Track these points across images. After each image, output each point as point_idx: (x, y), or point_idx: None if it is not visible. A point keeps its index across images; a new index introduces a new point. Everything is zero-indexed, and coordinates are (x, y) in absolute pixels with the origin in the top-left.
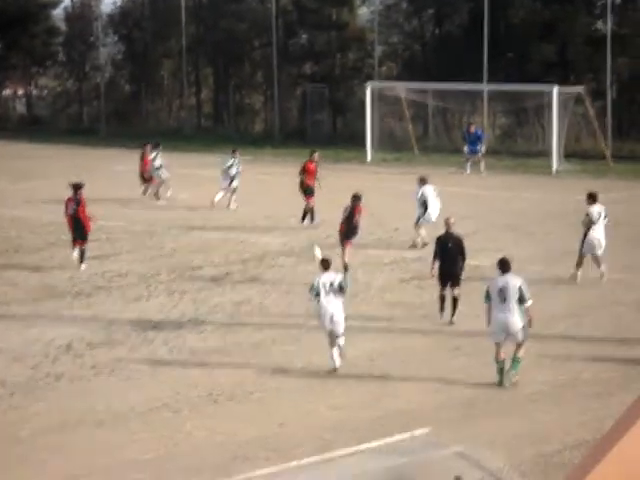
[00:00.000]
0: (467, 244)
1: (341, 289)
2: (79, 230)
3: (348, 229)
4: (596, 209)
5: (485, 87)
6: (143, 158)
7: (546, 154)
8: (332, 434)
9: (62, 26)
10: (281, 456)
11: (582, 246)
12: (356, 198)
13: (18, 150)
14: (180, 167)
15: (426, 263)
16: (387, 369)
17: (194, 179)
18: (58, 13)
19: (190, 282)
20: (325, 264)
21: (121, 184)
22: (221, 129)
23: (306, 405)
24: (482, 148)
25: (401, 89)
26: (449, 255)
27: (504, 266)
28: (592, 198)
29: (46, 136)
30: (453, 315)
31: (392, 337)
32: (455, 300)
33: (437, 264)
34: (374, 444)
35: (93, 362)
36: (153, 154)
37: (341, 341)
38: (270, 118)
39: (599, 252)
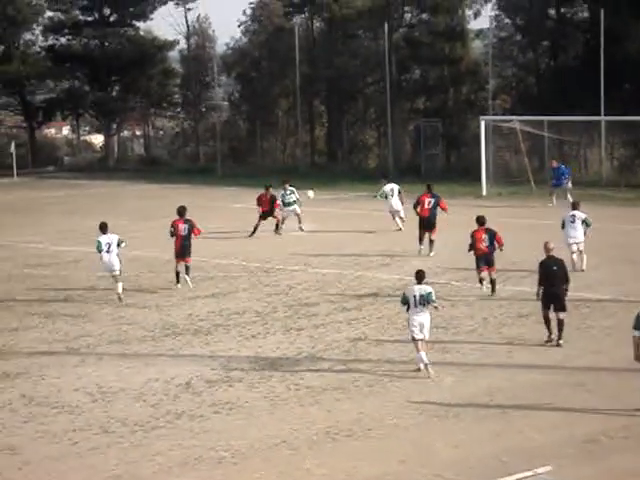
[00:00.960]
0: (587, 278)
1: (428, 301)
2: (189, 248)
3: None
4: None
5: (602, 118)
6: (263, 199)
7: None
8: (453, 472)
9: (178, 67)
10: None
11: None
12: (478, 221)
13: (137, 190)
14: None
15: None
16: (506, 405)
17: (311, 216)
18: (174, 55)
19: (306, 319)
20: (418, 276)
21: (238, 221)
22: (335, 166)
23: (425, 442)
24: (568, 182)
25: (516, 122)
26: (552, 278)
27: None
28: None
29: (164, 176)
30: (560, 338)
31: (511, 372)
32: (560, 323)
33: (542, 288)
34: None
35: (212, 400)
36: (288, 190)
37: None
38: (384, 154)
39: None
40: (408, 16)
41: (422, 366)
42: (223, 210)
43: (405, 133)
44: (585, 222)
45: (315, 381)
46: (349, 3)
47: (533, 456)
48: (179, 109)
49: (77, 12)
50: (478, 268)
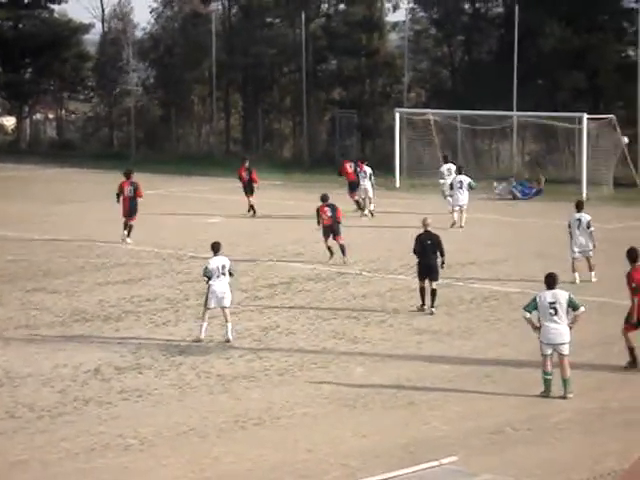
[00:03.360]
0: (496, 271)
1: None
2: (134, 208)
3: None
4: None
5: (515, 114)
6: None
7: (576, 181)
8: (360, 461)
9: (92, 51)
10: None
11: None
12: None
13: (49, 174)
14: (210, 192)
15: (452, 289)
16: (415, 396)
17: (223, 204)
18: (88, 38)
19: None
20: (550, 280)
21: (152, 208)
22: (250, 154)
23: (334, 431)
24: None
25: (430, 115)
26: (427, 251)
27: (550, 281)
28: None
29: (76, 160)
30: (432, 306)
31: (420, 363)
32: (433, 292)
33: (417, 261)
34: (402, 472)
35: (121, 387)
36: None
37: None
38: (299, 143)
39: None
40: (325, 6)
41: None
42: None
43: (320, 123)
44: (469, 185)
45: (225, 369)
46: None
47: (439, 446)
48: (92, 93)
49: None
50: (325, 236)
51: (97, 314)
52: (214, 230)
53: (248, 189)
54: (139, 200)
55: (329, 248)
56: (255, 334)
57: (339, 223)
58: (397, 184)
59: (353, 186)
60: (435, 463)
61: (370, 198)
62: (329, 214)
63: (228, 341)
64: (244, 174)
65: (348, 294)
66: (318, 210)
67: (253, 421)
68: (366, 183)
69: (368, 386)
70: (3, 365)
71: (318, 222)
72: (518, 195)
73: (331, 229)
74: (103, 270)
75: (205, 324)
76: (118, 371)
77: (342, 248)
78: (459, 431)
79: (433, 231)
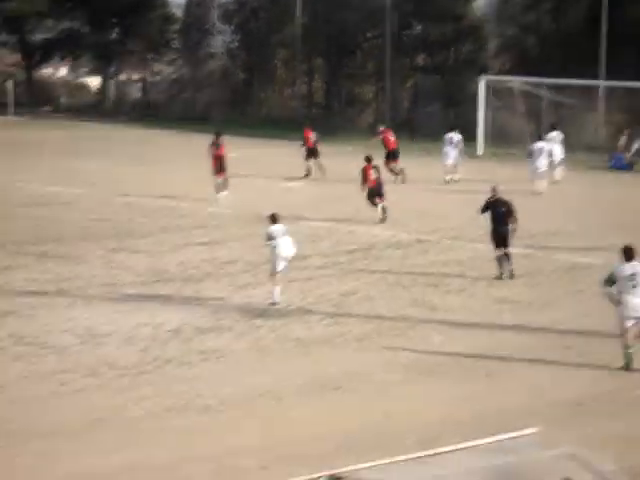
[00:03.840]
0: (579, 241)
1: None
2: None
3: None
4: None
5: (602, 83)
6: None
7: None
8: (437, 429)
9: (178, 13)
10: (385, 449)
11: None
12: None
13: (133, 135)
14: (290, 155)
15: (533, 259)
16: (494, 366)
17: (302, 167)
18: (174, 0)
19: (298, 271)
20: (628, 252)
21: (233, 170)
22: (331, 119)
23: (411, 399)
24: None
25: (515, 83)
26: (500, 219)
27: (629, 253)
28: None
29: (160, 122)
30: (509, 271)
31: (499, 333)
32: (508, 256)
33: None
34: (480, 442)
35: (201, 347)
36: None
37: None
38: (381, 109)
39: None
40: None
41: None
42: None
43: (403, 89)
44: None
45: (304, 333)
46: None
47: (518, 417)
48: (177, 55)
49: None
50: (371, 198)
51: (178, 275)
52: (293, 194)
53: (312, 152)
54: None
55: (377, 205)
56: (334, 299)
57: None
58: (480, 152)
59: (395, 155)
60: (515, 434)
61: (456, 166)
62: (374, 176)
63: (275, 303)
64: (310, 137)
65: (428, 261)
66: (364, 170)
67: (330, 385)
68: (452, 150)
69: (447, 354)
70: (85, 323)
71: (363, 182)
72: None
73: (377, 190)
74: (184, 231)
75: (277, 287)
76: (198, 332)
77: (384, 209)
78: (539, 402)
79: (504, 198)
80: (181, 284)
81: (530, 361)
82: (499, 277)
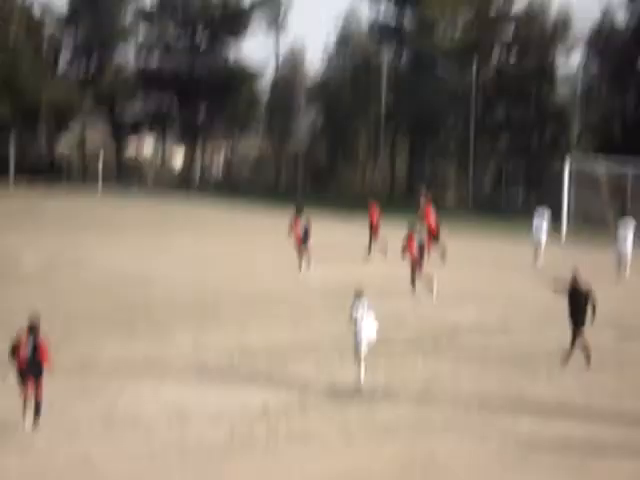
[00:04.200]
0: None
1: None
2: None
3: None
4: None
5: None
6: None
7: None
8: None
9: (264, 94)
10: None
11: None
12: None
13: (218, 213)
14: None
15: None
16: (588, 459)
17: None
18: (261, 80)
19: (382, 352)
20: None
21: (317, 248)
22: (413, 198)
23: None
24: None
25: (600, 166)
26: (579, 307)
27: None
28: None
29: (243, 200)
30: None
31: (591, 423)
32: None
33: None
34: None
35: (287, 428)
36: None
37: None
38: (464, 189)
39: None
40: (496, 55)
41: None
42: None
43: (486, 169)
44: None
45: (390, 417)
46: (439, 39)
47: None
48: (262, 136)
49: (170, 32)
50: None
51: (264, 353)
52: (375, 271)
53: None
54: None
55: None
56: (420, 382)
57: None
58: (563, 236)
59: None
60: None
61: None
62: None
63: (359, 385)
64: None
65: (515, 346)
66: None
67: (420, 473)
68: (543, 224)
69: (537, 444)
70: (174, 401)
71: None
72: None
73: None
74: (270, 309)
75: (362, 369)
76: (284, 412)
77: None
78: None
79: (584, 286)
80: (267, 362)
81: (629, 453)
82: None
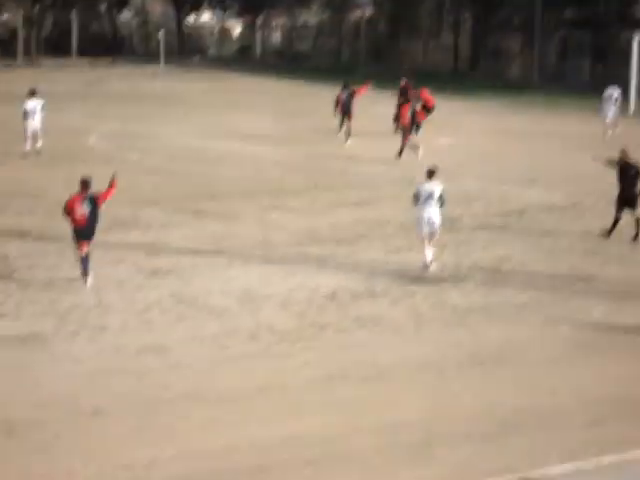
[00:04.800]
0: None
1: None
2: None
3: None
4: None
5: None
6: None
7: None
8: (605, 409)
9: None
10: (554, 429)
11: None
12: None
13: (279, 87)
14: (441, 112)
15: None
16: None
17: (455, 124)
18: None
19: (450, 234)
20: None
21: (380, 126)
22: (477, 72)
23: (575, 376)
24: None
25: None
26: (630, 182)
27: None
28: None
29: (304, 72)
30: (636, 237)
31: None
32: (637, 221)
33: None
34: None
35: (356, 313)
36: None
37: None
38: (527, 63)
39: None
40: None
41: None
42: (365, 113)
43: (551, 42)
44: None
45: (460, 301)
46: None
47: None
48: (323, 6)
49: None
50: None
51: (331, 236)
52: (445, 152)
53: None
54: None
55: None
56: (489, 265)
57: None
58: (631, 109)
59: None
60: None
61: (616, 122)
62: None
63: (427, 267)
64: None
65: (584, 227)
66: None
67: (491, 358)
68: (612, 107)
69: (608, 328)
70: (242, 284)
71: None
72: None
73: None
74: (335, 190)
75: (427, 250)
76: (353, 297)
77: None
78: None
79: (633, 161)
80: (334, 245)
81: None
82: (607, 236)
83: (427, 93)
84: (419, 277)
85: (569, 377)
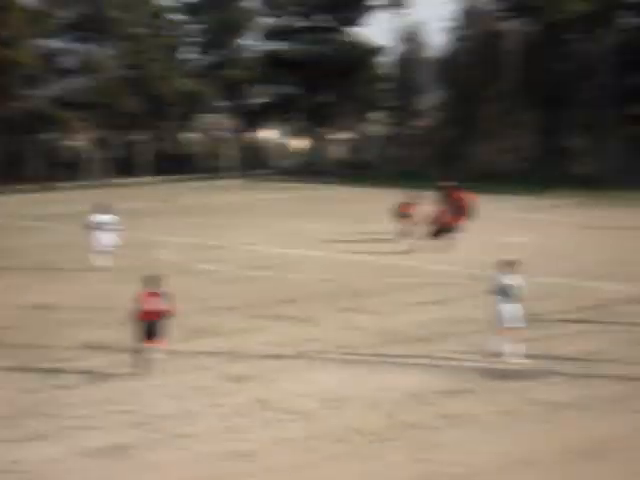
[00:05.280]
0: None
1: None
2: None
3: None
4: None
5: None
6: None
7: None
8: None
9: (386, 72)
10: None
11: None
12: None
13: (347, 194)
14: (512, 210)
15: None
16: None
17: (526, 222)
18: (382, 59)
19: (532, 329)
20: None
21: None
22: (541, 171)
23: None
24: None
25: None
26: None
27: None
28: None
29: (370, 180)
30: None
31: None
32: None
33: None
34: None
35: (444, 412)
36: None
37: None
38: (595, 159)
39: None
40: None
41: None
42: None
43: (617, 140)
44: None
45: (550, 395)
46: (566, 7)
47: None
48: (387, 114)
49: (292, 17)
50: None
51: (410, 335)
52: (518, 249)
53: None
54: None
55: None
56: (577, 358)
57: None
58: None
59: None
60: None
61: None
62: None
63: (519, 363)
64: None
65: None
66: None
67: (587, 454)
68: None
69: None
70: (325, 386)
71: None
72: None
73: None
74: (410, 290)
75: (506, 343)
76: (439, 395)
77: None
78: None
79: None
80: (414, 345)
81: None
82: None
83: (463, 194)
84: (504, 373)
85: None
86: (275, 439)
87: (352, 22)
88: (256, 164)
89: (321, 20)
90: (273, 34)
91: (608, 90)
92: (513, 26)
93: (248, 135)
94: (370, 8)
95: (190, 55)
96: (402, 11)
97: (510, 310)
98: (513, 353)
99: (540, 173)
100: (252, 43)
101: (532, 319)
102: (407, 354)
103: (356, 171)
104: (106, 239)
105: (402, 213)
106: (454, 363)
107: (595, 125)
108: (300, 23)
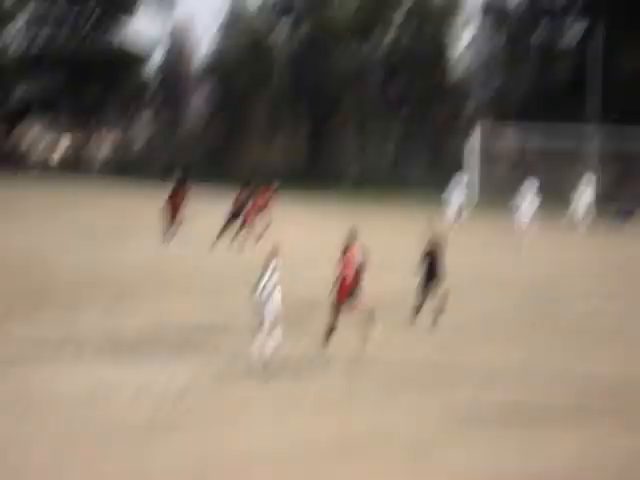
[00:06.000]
0: None
1: None
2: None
3: None
4: None
5: None
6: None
7: None
8: None
9: (156, 65)
10: None
11: None
12: None
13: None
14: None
15: None
16: None
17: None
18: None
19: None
20: None
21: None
22: (314, 171)
23: None
24: None
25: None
26: None
27: None
28: None
29: (136, 181)
30: None
31: None
32: None
33: None
34: None
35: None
36: None
37: None
38: (363, 160)
39: None
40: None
41: None
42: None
43: (386, 140)
44: None
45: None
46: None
47: None
48: (154, 116)
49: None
50: None
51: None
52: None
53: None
54: None
55: None
56: None
57: None
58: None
59: None
60: None
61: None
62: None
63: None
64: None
65: None
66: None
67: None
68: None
69: None
70: (94, 379)
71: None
72: None
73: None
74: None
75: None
76: (206, 389)
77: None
78: None
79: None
80: (188, 335)
81: None
82: None
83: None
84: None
85: None
86: (37, 432)
87: (120, 21)
88: (19, 163)
89: (89, 9)
90: (39, 25)
91: (379, 91)
92: (283, 26)
93: (8, 135)
94: (139, 6)
95: None
96: (171, 12)
97: (271, 304)
98: (270, 346)
99: (311, 173)
100: (14, 35)
101: None
102: (177, 344)
103: (121, 172)
104: None
105: (170, 209)
106: (229, 352)
107: (367, 125)
108: (65, 19)
